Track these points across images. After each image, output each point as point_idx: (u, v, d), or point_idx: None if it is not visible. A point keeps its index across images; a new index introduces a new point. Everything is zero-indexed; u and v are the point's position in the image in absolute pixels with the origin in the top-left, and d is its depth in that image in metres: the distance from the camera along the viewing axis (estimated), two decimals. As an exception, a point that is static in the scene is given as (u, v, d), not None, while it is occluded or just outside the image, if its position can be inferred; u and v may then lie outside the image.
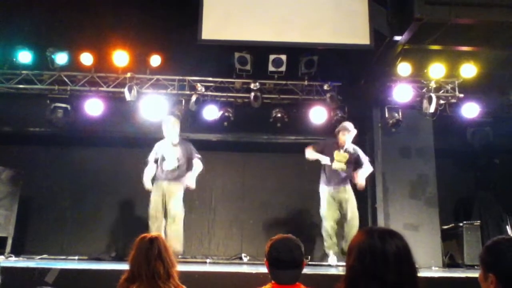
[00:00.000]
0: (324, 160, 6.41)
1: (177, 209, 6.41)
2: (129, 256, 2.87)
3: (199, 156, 6.63)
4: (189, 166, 6.62)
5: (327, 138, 6.82)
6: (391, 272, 1.57)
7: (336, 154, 6.43)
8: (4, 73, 7.56)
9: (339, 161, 6.41)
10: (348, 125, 6.59)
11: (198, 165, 6.58)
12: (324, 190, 6.51)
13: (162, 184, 6.46)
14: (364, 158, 6.57)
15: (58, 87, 7.61)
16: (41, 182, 8.05)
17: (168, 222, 6.40)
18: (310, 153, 6.53)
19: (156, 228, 6.17)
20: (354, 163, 6.53)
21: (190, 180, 6.50)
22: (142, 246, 2.82)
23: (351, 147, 6.57)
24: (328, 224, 6.38)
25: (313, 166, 8.63)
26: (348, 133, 6.51)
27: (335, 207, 6.42)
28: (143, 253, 2.79)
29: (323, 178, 6.58)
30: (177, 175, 6.50)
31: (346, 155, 6.45)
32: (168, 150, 6.55)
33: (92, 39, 7.26)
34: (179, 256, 6.12)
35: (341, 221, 6.42)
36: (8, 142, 8.07)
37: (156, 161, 6.60)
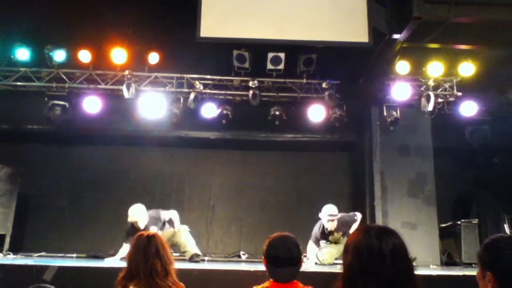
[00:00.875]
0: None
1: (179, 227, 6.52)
2: (127, 254, 2.87)
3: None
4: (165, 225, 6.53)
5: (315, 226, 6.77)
6: (388, 270, 1.58)
7: (331, 238, 6.62)
8: (2, 71, 7.56)
9: (335, 241, 6.63)
10: (331, 210, 6.53)
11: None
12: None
13: None
14: (354, 222, 6.63)
15: (56, 85, 7.61)
16: (39, 179, 8.04)
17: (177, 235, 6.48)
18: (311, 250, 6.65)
19: None
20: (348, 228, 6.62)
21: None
22: (140, 244, 2.82)
23: (339, 223, 6.60)
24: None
25: (311, 164, 8.67)
26: (333, 220, 6.52)
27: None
28: (140, 250, 2.79)
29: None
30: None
31: (340, 234, 6.59)
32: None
33: (90, 37, 7.23)
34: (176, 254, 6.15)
35: None
36: (6, 140, 8.07)
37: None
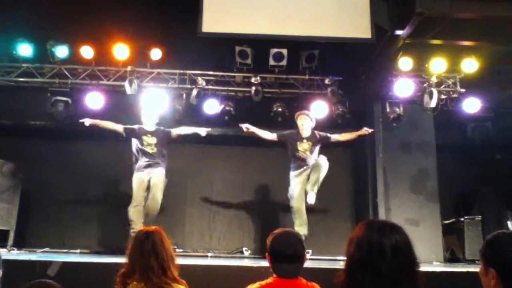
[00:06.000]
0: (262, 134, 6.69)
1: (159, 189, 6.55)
2: (127, 250, 2.85)
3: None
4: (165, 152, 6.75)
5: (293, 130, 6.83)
6: (387, 263, 1.60)
7: (299, 144, 6.61)
8: (4, 66, 7.56)
9: (303, 151, 6.59)
10: (306, 111, 6.78)
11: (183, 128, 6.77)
12: (293, 175, 6.62)
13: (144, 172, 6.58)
14: (331, 136, 6.74)
15: (58, 81, 7.61)
16: (41, 175, 8.04)
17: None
18: (266, 134, 6.72)
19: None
20: (320, 143, 6.69)
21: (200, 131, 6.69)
22: (138, 239, 2.80)
23: (313, 133, 6.69)
24: (296, 202, 6.48)
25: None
26: (305, 116, 6.65)
27: (303, 187, 6.52)
28: (137, 246, 2.76)
29: (291, 165, 6.69)
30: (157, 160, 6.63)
31: (310, 143, 6.61)
32: (145, 137, 6.66)
33: (92, 32, 7.22)
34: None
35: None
36: (9, 135, 8.06)
37: (127, 132, 6.68)
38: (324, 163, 6.41)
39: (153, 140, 6.63)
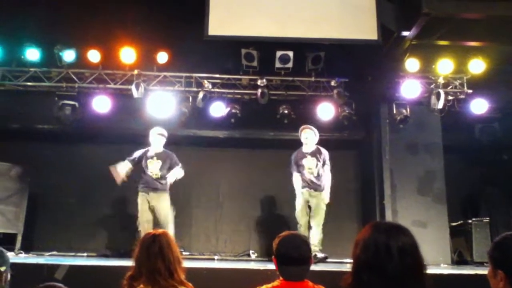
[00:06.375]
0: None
1: (167, 215, 6.54)
2: (134, 253, 2.85)
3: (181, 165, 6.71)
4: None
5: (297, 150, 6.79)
6: (393, 265, 1.59)
7: (305, 162, 6.53)
8: (12, 71, 7.61)
9: (308, 169, 6.51)
10: (310, 125, 6.69)
11: (179, 171, 6.66)
12: (298, 192, 6.58)
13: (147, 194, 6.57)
14: (326, 166, 6.59)
15: (66, 85, 7.66)
16: (49, 179, 8.09)
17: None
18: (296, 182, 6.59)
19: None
20: (323, 164, 6.57)
21: (170, 176, 6.60)
22: (144, 242, 2.80)
23: (317, 149, 6.61)
24: (301, 228, 6.45)
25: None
26: (309, 130, 6.58)
27: (306, 210, 6.52)
28: (144, 249, 2.77)
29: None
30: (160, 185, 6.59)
31: (314, 159, 6.53)
32: (151, 160, 6.64)
33: (99, 36, 7.27)
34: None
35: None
36: (16, 139, 8.12)
37: (134, 162, 6.67)
38: (322, 209, 6.43)
39: (158, 164, 6.60)
